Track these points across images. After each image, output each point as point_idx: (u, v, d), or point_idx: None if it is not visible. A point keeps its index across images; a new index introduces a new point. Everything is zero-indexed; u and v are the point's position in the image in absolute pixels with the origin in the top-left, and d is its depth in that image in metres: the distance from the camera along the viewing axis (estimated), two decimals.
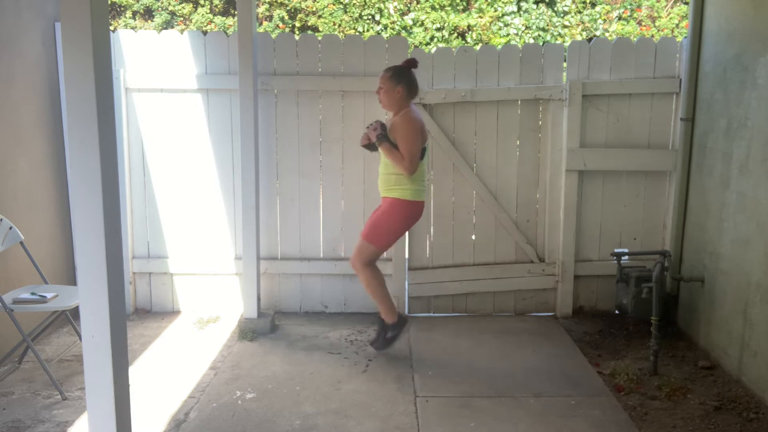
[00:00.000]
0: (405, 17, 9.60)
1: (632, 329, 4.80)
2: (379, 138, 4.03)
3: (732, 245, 4.11)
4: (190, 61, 4.85)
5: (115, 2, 9.96)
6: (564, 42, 9.23)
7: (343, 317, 5.03)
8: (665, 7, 9.96)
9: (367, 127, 4.16)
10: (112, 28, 6.85)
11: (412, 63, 4.15)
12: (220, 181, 4.99)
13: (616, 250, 4.76)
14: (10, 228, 4.02)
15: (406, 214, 4.11)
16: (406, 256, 5.04)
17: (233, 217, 5.01)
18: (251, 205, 4.63)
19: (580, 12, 9.68)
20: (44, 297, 3.85)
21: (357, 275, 4.34)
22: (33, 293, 3.91)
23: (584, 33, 9.50)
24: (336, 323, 4.91)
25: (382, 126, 4.09)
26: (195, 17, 9.87)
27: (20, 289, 4.03)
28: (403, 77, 4.08)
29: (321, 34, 9.42)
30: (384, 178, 4.13)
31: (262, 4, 9.97)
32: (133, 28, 9.70)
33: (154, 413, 3.58)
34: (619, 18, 9.74)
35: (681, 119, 4.77)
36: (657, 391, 3.87)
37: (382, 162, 4.13)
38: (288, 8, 9.96)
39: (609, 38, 7.61)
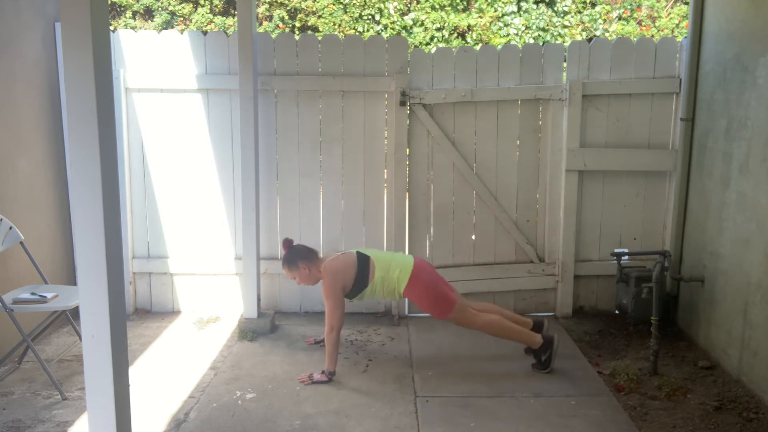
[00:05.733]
0: (405, 17, 9.60)
1: (632, 329, 4.80)
2: (325, 375, 3.96)
3: (732, 245, 4.11)
4: (190, 61, 4.85)
5: (115, 2, 9.96)
6: (564, 42, 9.23)
7: None
8: (665, 7, 9.96)
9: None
10: (112, 28, 6.85)
11: (287, 243, 4.18)
12: (220, 181, 4.99)
13: (616, 250, 4.77)
14: (10, 228, 4.02)
15: (421, 281, 4.05)
16: None
17: (233, 217, 5.01)
18: (251, 205, 4.63)
19: (580, 12, 9.68)
20: (44, 297, 3.85)
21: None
22: (33, 293, 3.91)
23: (584, 33, 9.50)
24: None
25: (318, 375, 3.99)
26: (195, 17, 9.87)
27: (20, 289, 4.03)
28: (294, 258, 4.12)
29: (321, 34, 9.42)
30: (388, 284, 4.09)
31: (262, 4, 9.97)
32: (133, 28, 9.70)
33: (154, 413, 3.58)
34: (619, 18, 9.74)
35: (681, 119, 4.77)
36: (657, 391, 3.87)
37: (379, 276, 4.06)
38: (288, 8, 9.96)
39: (609, 38, 7.61)
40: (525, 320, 4.30)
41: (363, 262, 4.07)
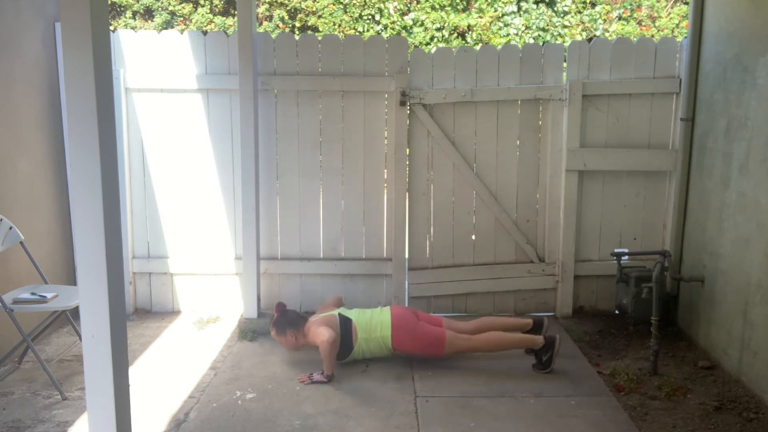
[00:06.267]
0: (405, 17, 9.60)
1: (632, 329, 4.80)
2: (325, 376, 3.98)
3: (732, 245, 4.11)
4: (190, 61, 4.85)
5: (115, 2, 9.96)
6: (564, 42, 9.23)
7: None
8: (665, 7, 9.96)
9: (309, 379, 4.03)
10: (112, 28, 6.85)
11: (279, 307, 4.29)
12: (220, 181, 4.99)
13: (616, 250, 4.76)
14: (10, 228, 4.02)
15: (403, 332, 4.08)
16: (406, 256, 5.04)
17: (233, 217, 5.01)
18: (251, 205, 4.63)
19: (580, 12, 9.68)
20: (44, 297, 3.85)
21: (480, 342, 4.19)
22: (33, 293, 3.91)
23: (584, 33, 9.50)
24: None
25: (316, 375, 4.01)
26: (195, 17, 9.87)
27: (20, 289, 4.03)
28: (283, 325, 4.19)
29: (321, 34, 9.42)
30: (373, 344, 4.13)
31: (262, 4, 9.97)
32: (133, 28, 9.70)
33: (154, 413, 3.58)
34: (619, 18, 9.75)
35: (681, 119, 4.77)
36: (657, 391, 3.87)
37: (363, 338, 4.10)
38: (288, 8, 9.96)
39: (609, 38, 7.61)
40: (524, 322, 4.30)
41: (345, 324, 4.12)
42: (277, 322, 4.24)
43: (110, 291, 2.39)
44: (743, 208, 3.99)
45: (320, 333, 3.98)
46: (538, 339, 4.11)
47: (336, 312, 4.23)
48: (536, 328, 4.28)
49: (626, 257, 4.84)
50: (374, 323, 4.13)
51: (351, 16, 9.70)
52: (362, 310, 4.27)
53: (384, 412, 3.61)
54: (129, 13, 10.08)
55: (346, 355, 4.12)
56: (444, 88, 4.85)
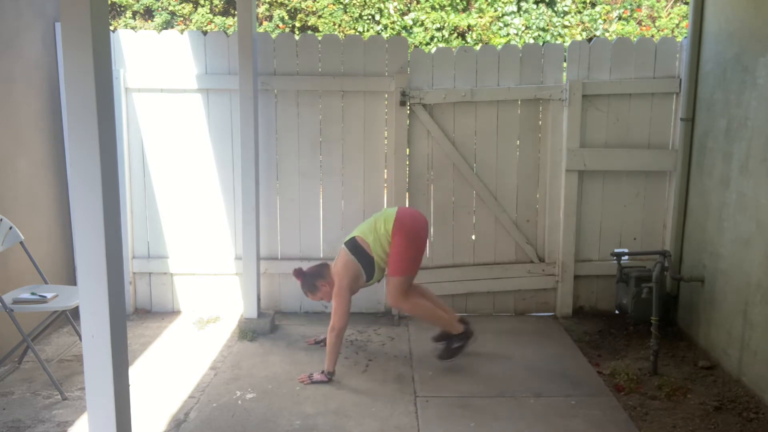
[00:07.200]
0: (405, 17, 9.60)
1: (632, 329, 4.80)
2: (325, 375, 3.96)
3: (732, 245, 4.11)
4: (190, 61, 4.85)
5: (115, 2, 9.96)
6: (564, 42, 9.23)
7: None
8: (665, 7, 9.96)
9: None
10: (112, 28, 6.85)
11: (297, 273, 4.20)
12: (220, 181, 4.99)
13: (616, 250, 4.77)
14: (10, 228, 4.02)
15: (406, 225, 4.04)
16: None
17: (233, 217, 5.01)
18: (251, 205, 4.63)
19: (580, 12, 9.67)
20: (44, 297, 3.85)
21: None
22: (33, 293, 3.91)
23: (584, 33, 9.50)
24: None
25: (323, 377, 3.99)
26: (195, 17, 9.87)
27: (20, 289, 4.03)
28: (311, 282, 4.16)
29: (321, 34, 9.41)
30: (382, 241, 4.10)
31: (262, 4, 9.97)
32: (133, 28, 9.69)
33: (154, 413, 3.58)
34: (619, 18, 9.74)
35: (681, 119, 4.77)
36: (657, 391, 3.87)
37: (372, 240, 4.07)
38: (288, 8, 9.96)
39: (609, 38, 7.61)
40: (454, 314, 4.33)
41: (353, 246, 4.09)
42: (305, 284, 4.20)
43: (110, 291, 2.39)
44: (743, 208, 3.99)
45: (335, 311, 3.95)
46: (459, 325, 4.17)
47: (342, 247, 4.16)
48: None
49: (626, 257, 4.84)
50: (379, 221, 4.10)
51: (351, 16, 9.70)
52: (362, 222, 4.27)
53: (384, 412, 3.61)
54: (129, 13, 10.08)
55: (373, 272, 4.10)
56: (444, 88, 4.85)
